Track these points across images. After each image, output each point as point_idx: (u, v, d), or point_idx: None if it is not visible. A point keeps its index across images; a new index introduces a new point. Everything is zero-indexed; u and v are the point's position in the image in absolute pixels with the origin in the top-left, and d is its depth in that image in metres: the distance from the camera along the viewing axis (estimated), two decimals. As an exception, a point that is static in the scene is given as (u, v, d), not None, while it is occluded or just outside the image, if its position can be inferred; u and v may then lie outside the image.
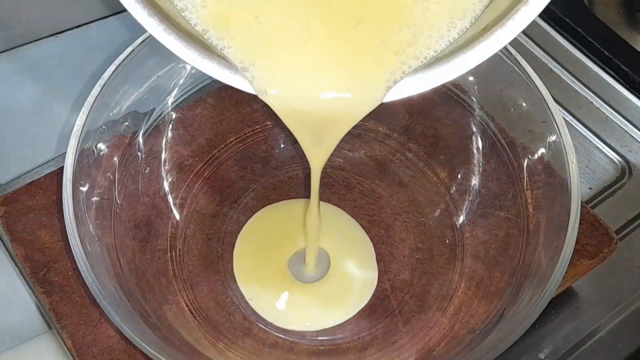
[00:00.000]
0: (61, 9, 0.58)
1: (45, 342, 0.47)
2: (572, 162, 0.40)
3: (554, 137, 0.41)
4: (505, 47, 0.43)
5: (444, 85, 0.49)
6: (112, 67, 0.42)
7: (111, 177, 0.44)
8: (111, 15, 0.59)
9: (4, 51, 0.58)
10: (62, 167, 0.40)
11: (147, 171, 0.48)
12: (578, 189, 0.39)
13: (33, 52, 0.58)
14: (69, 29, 0.59)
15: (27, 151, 0.53)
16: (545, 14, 0.63)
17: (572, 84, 0.60)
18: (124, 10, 0.31)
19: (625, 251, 0.50)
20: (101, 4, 0.58)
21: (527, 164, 0.44)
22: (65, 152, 0.40)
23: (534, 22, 0.31)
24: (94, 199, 0.42)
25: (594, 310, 0.49)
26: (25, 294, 0.49)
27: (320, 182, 0.41)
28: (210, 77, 0.50)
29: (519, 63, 0.44)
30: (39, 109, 0.56)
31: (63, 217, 0.38)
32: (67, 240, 0.38)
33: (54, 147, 0.53)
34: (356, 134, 0.53)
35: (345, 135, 0.36)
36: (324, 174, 0.48)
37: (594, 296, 0.49)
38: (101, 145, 0.42)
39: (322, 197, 0.48)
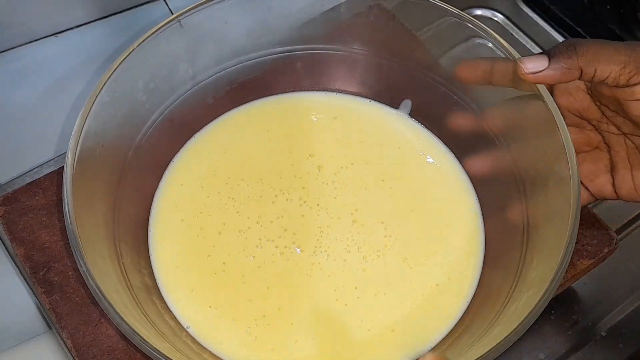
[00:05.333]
0: (61, 9, 0.58)
1: (45, 342, 0.47)
2: (572, 162, 0.40)
3: (554, 137, 0.41)
4: (505, 47, 0.43)
5: (444, 85, 0.49)
6: (112, 67, 0.42)
7: (111, 176, 0.44)
8: (111, 15, 0.59)
9: (3, 51, 0.58)
10: (62, 167, 0.40)
11: (147, 171, 0.48)
12: (578, 189, 0.39)
13: (32, 52, 0.58)
14: (69, 29, 0.59)
15: (27, 151, 0.53)
16: (545, 14, 0.63)
17: (572, 84, 0.60)
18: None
19: (625, 251, 0.50)
20: (101, 4, 0.58)
21: (528, 164, 0.44)
22: (65, 152, 0.40)
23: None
24: (94, 198, 0.42)
25: (594, 310, 0.49)
26: (25, 294, 0.49)
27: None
28: (209, 77, 0.50)
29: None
30: (39, 109, 0.56)
31: (63, 217, 0.38)
32: (67, 240, 0.38)
33: (54, 147, 0.53)
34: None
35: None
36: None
37: (594, 296, 0.49)
38: (101, 145, 0.42)
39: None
